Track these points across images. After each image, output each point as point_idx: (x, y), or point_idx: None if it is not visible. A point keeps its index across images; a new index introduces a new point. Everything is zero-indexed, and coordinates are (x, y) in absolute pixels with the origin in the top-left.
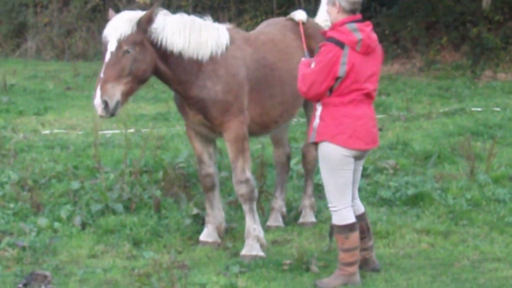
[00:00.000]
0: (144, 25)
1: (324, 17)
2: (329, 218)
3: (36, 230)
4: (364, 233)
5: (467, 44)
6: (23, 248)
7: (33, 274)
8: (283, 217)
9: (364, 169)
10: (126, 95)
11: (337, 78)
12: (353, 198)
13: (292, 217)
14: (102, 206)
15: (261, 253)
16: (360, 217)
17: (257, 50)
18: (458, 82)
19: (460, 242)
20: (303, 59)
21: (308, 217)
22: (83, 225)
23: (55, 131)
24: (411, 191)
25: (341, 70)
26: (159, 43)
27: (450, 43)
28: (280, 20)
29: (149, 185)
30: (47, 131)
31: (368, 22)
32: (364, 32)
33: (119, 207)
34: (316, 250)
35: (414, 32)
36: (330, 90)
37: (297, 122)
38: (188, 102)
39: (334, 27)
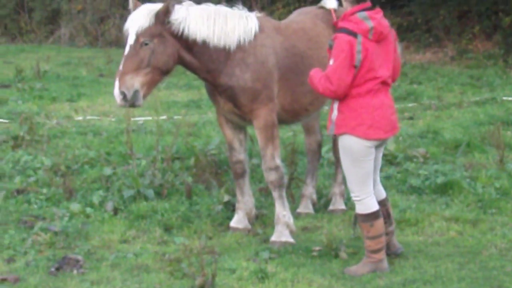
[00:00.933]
0: (162, 17)
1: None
2: None
3: (68, 215)
4: (385, 218)
5: (499, 34)
6: (56, 233)
7: (65, 258)
8: (313, 204)
9: (394, 157)
10: (149, 85)
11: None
12: (375, 184)
13: (322, 204)
14: (134, 192)
15: (291, 239)
16: (381, 203)
17: (288, 38)
18: (489, 72)
19: (488, 231)
20: (312, 69)
21: (338, 204)
22: (115, 211)
23: (88, 117)
24: (440, 180)
25: (357, 59)
26: (180, 33)
27: (482, 32)
28: (312, 9)
29: (180, 171)
30: (80, 118)
31: (378, 9)
32: (375, 19)
33: (150, 193)
34: (345, 237)
35: (446, 21)
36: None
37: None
38: (218, 90)
39: (344, 17)
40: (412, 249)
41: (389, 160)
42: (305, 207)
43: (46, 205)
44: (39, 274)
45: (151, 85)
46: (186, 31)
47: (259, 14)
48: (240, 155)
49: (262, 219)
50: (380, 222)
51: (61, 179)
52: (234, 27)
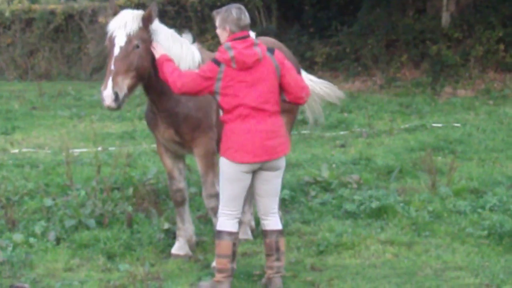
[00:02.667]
0: (146, 22)
1: None
2: (297, 230)
3: (12, 245)
4: (271, 251)
5: (427, 62)
6: (1, 263)
7: (12, 287)
8: (252, 231)
9: (328, 183)
10: (131, 90)
11: (215, 93)
12: (267, 212)
13: (260, 231)
14: (75, 222)
15: (233, 265)
16: (269, 233)
17: None
18: (418, 99)
19: (423, 252)
20: (167, 60)
21: None
22: (58, 240)
23: (24, 150)
24: (375, 204)
25: (216, 86)
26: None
27: (410, 60)
28: None
29: (120, 201)
30: (16, 150)
31: (247, 39)
32: (236, 49)
33: (92, 222)
34: (284, 261)
35: (375, 50)
36: (222, 109)
37: None
38: (161, 115)
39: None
40: (350, 272)
41: (323, 186)
42: (244, 233)
43: None
44: None
45: (133, 90)
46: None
47: (199, 45)
48: (180, 183)
49: (203, 245)
50: (223, 244)
51: (2, 210)
52: (186, 54)
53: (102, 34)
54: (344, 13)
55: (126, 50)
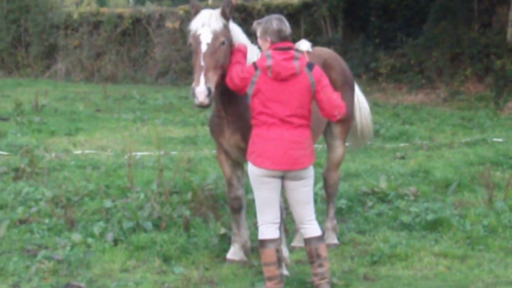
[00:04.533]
0: (225, 18)
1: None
2: (351, 240)
3: (70, 245)
4: (313, 257)
5: (490, 76)
6: (59, 261)
7: (68, 285)
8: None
9: (386, 195)
10: (217, 88)
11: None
12: (303, 220)
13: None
14: (133, 224)
15: (286, 272)
16: (308, 241)
17: None
18: (481, 113)
19: (476, 266)
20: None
21: (331, 239)
22: (115, 241)
23: (86, 151)
24: (430, 217)
25: (250, 88)
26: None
27: (474, 74)
28: None
29: (178, 205)
30: (79, 151)
31: (288, 52)
32: (274, 59)
33: (149, 225)
34: (337, 269)
35: (439, 63)
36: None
37: (322, 148)
38: (229, 119)
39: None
40: (402, 283)
41: (380, 197)
42: (299, 241)
43: (48, 234)
44: None
45: (217, 87)
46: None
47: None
48: (238, 191)
49: (257, 251)
50: (268, 251)
51: (62, 210)
52: (254, 57)
53: (169, 39)
54: (409, 25)
55: (214, 47)
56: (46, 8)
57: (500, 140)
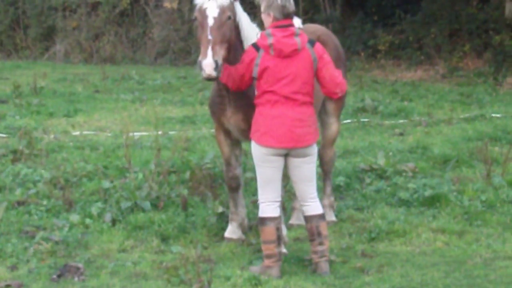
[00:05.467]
0: None
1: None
2: (349, 217)
3: (68, 225)
4: (313, 235)
5: (489, 52)
6: (57, 242)
7: (66, 266)
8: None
9: (384, 171)
10: (223, 61)
11: (253, 78)
12: (305, 198)
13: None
14: (131, 204)
15: (284, 250)
16: (309, 219)
17: None
18: (479, 89)
19: (474, 241)
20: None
21: (328, 216)
22: (113, 222)
23: (85, 132)
24: (428, 193)
25: (254, 71)
26: (236, 24)
27: (473, 50)
28: None
29: (176, 184)
30: (77, 133)
31: (288, 28)
32: (276, 36)
33: (147, 205)
34: (335, 246)
35: (438, 39)
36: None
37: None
38: (231, 97)
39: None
40: (400, 259)
41: (378, 174)
42: (297, 218)
43: (46, 216)
44: (41, 280)
45: (224, 61)
46: (240, 25)
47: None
48: (236, 170)
49: (255, 230)
50: (268, 229)
51: (60, 191)
52: (256, 35)
53: (167, 19)
54: (408, 1)
55: (220, 21)
56: None
57: (498, 115)
